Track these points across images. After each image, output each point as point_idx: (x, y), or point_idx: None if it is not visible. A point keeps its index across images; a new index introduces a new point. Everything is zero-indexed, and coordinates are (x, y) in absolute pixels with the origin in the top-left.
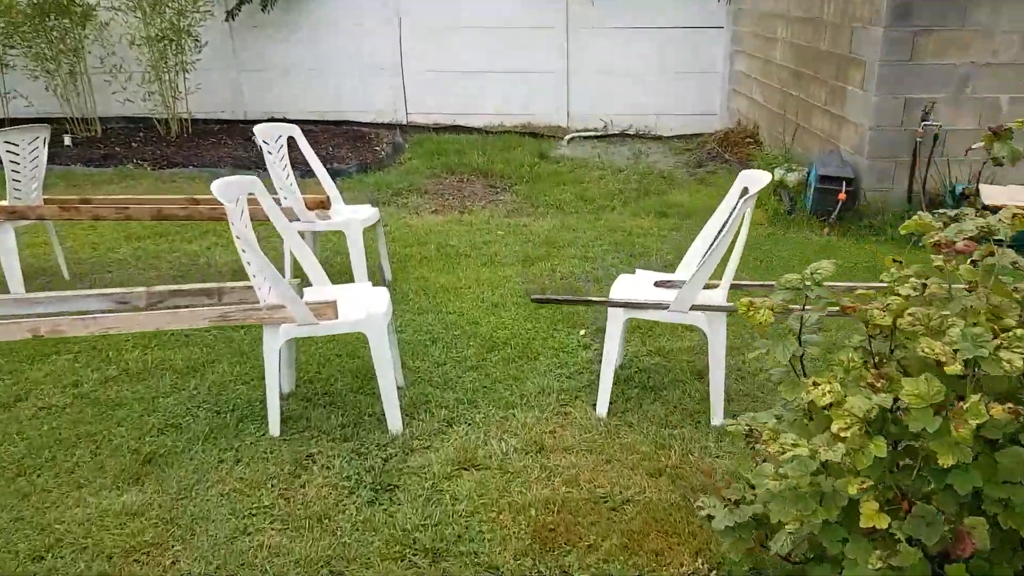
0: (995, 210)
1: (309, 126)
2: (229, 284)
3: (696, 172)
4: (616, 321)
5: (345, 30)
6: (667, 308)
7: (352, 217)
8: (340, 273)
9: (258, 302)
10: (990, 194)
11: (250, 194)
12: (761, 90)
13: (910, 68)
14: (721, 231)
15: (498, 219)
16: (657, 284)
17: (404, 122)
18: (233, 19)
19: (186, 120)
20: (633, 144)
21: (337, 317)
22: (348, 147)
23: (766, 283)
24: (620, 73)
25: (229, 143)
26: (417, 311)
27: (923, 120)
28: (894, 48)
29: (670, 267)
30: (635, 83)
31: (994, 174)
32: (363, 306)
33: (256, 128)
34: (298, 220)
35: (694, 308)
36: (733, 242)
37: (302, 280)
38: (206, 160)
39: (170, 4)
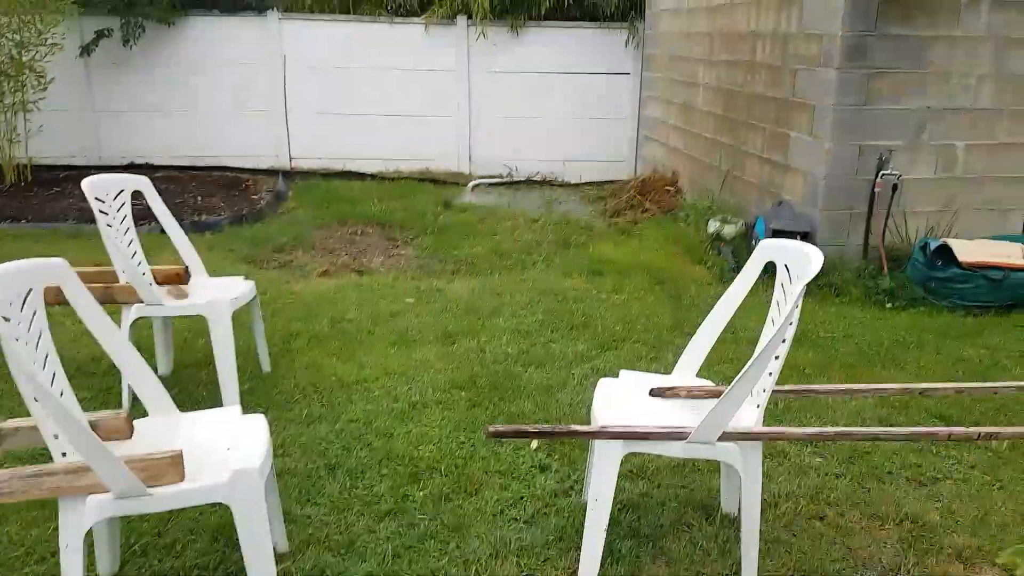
0: (974, 268)
1: (176, 172)
2: (13, 422)
3: (615, 221)
4: (610, 459)
5: (220, 68)
6: (686, 439)
7: (217, 297)
8: (201, 364)
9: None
10: (963, 249)
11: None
12: (681, 137)
13: (865, 113)
14: (728, 317)
15: (405, 281)
16: (653, 393)
17: (287, 167)
18: (89, 55)
19: (25, 167)
20: (542, 191)
21: (182, 479)
22: (221, 196)
23: (805, 388)
24: (525, 118)
25: (76, 194)
26: (306, 420)
27: (879, 169)
28: (847, 91)
29: (621, 341)
30: (541, 129)
31: (950, 226)
32: (227, 457)
33: (85, 183)
34: (141, 302)
35: (725, 437)
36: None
37: (134, 409)
38: (45, 213)
39: (9, 35)
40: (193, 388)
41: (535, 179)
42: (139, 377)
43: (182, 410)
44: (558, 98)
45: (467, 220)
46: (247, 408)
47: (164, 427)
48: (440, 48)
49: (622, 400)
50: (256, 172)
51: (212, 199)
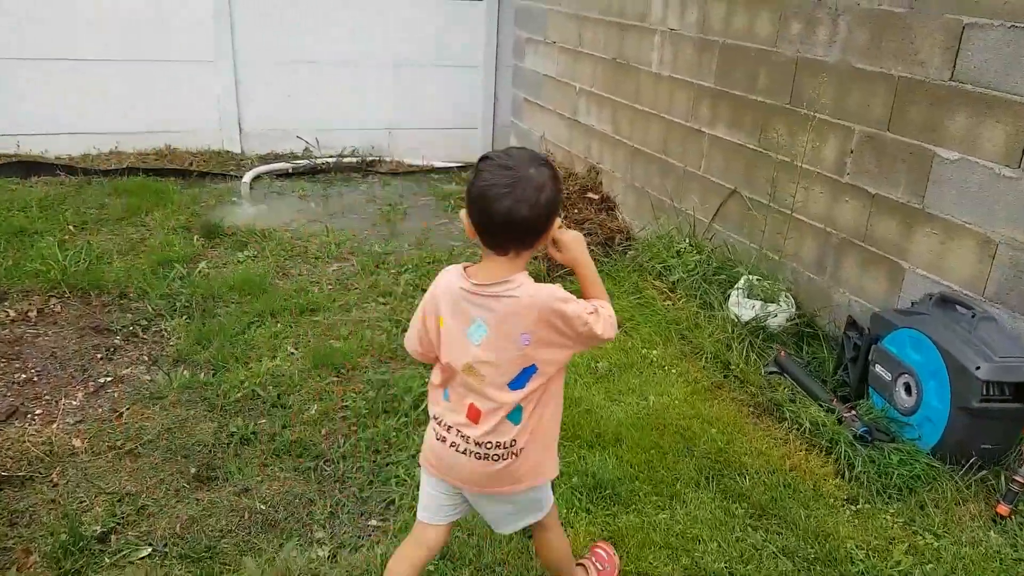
0: None
1: None
2: None
3: None
4: None
5: None
6: None
7: None
8: None
9: None
10: None
11: None
12: (608, 113)
13: None
14: None
15: None
16: None
17: None
18: None
19: None
20: (368, 185)
21: None
22: None
23: None
24: (323, 62)
25: None
26: None
27: None
28: None
29: None
30: (349, 79)
31: None
32: None
33: None
34: None
35: None
36: None
37: None
38: None
39: None
40: None
41: (349, 159)
42: None
43: None
44: (373, 32)
45: (252, 272)
46: None
47: None
48: None
49: None
50: None
51: None
